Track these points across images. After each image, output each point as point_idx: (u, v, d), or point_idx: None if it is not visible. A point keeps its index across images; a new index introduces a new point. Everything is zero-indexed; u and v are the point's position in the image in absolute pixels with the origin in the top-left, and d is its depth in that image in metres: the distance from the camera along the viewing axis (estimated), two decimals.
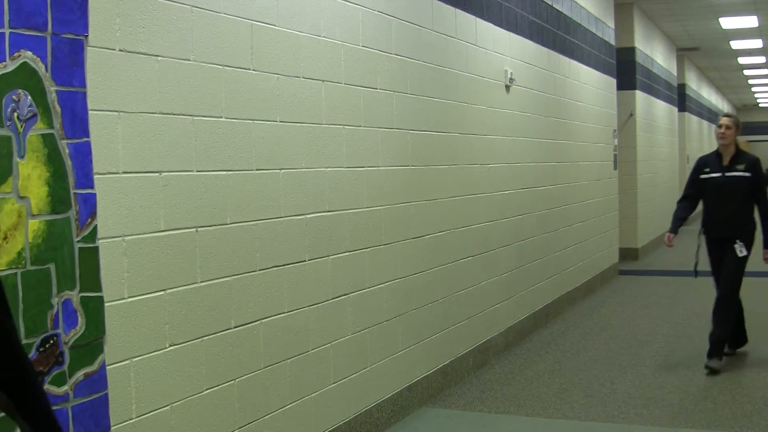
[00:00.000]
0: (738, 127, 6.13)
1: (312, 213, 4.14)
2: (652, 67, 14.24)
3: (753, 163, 6.11)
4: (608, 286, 10.32)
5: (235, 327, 3.60)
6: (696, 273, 6.54)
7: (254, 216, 3.74)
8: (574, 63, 8.93)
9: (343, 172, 4.43)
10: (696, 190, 6.31)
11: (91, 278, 2.84)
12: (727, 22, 14.27)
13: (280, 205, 3.92)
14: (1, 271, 2.52)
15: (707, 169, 6.22)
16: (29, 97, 2.61)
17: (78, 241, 2.79)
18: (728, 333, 6.19)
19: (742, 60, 19.54)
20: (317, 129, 4.20)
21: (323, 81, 4.24)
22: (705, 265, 6.41)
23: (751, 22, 14.20)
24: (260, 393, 3.76)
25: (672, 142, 16.76)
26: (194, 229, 3.35)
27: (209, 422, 3.45)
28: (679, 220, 6.34)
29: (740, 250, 6.03)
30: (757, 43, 16.65)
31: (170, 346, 3.23)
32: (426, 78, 5.38)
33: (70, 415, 2.76)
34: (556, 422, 4.99)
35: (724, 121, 6.17)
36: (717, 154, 6.22)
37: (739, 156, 6.13)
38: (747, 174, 6.06)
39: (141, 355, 3.08)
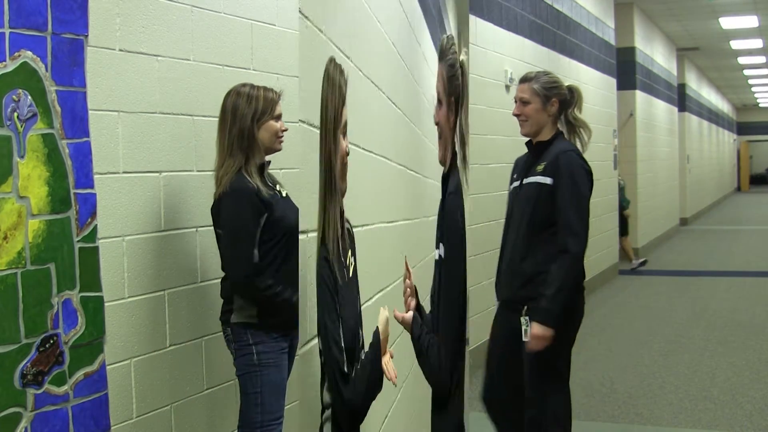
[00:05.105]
0: (547, 97, 3.52)
1: None
2: (652, 67, 14.25)
3: (560, 161, 3.45)
4: (608, 286, 10.32)
5: None
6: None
7: None
8: (574, 63, 8.93)
9: None
10: None
11: (91, 278, 2.83)
12: (727, 22, 14.28)
13: None
14: (1, 271, 2.52)
15: (515, 175, 3.73)
16: (29, 97, 2.61)
17: (78, 241, 2.78)
18: None
19: (742, 60, 19.56)
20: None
21: None
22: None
23: (751, 22, 14.22)
24: None
25: (672, 142, 16.77)
26: (194, 229, 3.35)
27: (209, 422, 3.45)
28: None
29: (527, 328, 3.31)
30: (757, 43, 16.66)
31: (170, 346, 3.23)
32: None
33: (70, 415, 2.75)
34: None
35: (520, 91, 3.60)
36: (529, 149, 3.73)
37: (544, 149, 3.55)
38: (546, 181, 3.44)
39: (141, 355, 3.08)
